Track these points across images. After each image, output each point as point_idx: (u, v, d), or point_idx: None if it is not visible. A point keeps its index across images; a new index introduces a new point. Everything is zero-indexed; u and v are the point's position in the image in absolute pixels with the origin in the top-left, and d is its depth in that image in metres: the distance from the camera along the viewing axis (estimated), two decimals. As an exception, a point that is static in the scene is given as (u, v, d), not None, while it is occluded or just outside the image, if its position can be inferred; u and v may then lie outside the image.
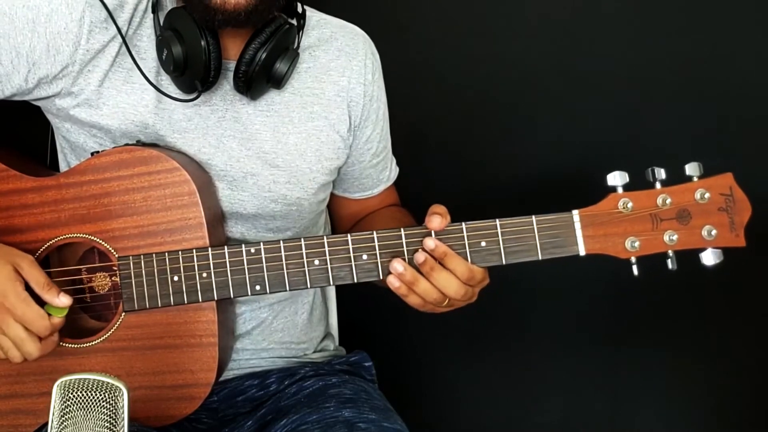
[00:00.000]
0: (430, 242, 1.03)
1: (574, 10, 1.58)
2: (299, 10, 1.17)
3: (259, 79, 1.12)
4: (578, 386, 1.74)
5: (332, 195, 1.32)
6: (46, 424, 0.85)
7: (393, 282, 1.04)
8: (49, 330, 1.02)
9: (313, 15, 1.24)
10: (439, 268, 1.03)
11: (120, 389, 0.84)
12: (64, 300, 1.03)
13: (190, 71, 1.10)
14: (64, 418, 0.84)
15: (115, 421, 0.84)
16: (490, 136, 1.62)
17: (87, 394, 0.84)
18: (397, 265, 1.04)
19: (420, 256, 1.04)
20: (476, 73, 1.59)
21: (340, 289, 1.46)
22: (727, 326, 1.69)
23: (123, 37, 1.10)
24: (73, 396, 0.84)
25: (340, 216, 1.37)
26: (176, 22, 1.10)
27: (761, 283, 1.64)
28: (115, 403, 0.84)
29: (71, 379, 0.84)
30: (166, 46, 1.09)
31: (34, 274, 1.04)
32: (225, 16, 1.06)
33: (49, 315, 1.03)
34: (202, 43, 1.08)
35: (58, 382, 0.84)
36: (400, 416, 1.17)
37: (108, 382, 0.84)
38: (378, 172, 1.31)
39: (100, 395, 0.84)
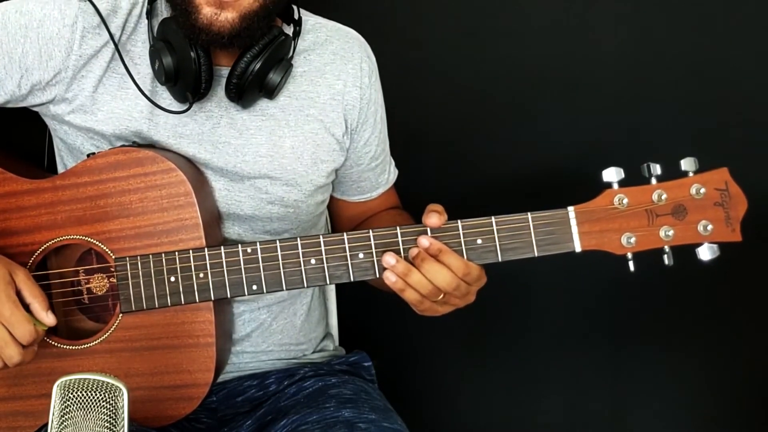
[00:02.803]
0: (424, 240, 1.04)
1: (572, 9, 1.58)
2: (296, 16, 1.17)
3: (251, 89, 1.12)
4: (578, 386, 1.73)
5: (331, 198, 1.32)
6: (46, 425, 0.85)
7: (389, 277, 1.04)
8: (32, 337, 1.01)
9: (308, 19, 1.24)
10: (431, 260, 1.03)
11: (120, 389, 0.84)
12: (50, 318, 1.03)
13: (182, 82, 1.10)
14: (64, 419, 0.84)
15: (115, 421, 0.84)
16: (485, 134, 1.61)
17: (87, 394, 0.84)
18: (389, 258, 1.04)
19: (413, 251, 1.04)
20: (471, 72, 1.59)
21: (339, 289, 1.46)
22: (726, 322, 1.68)
23: (116, 44, 1.10)
24: (73, 396, 0.84)
25: (341, 219, 1.37)
26: (168, 32, 1.10)
27: (759, 277, 1.64)
28: (115, 403, 0.84)
29: (71, 379, 0.84)
30: (157, 58, 1.09)
31: (28, 285, 1.03)
32: (209, 37, 1.06)
33: None
34: (192, 54, 1.08)
35: (58, 382, 0.84)
36: (400, 416, 1.17)
37: (108, 382, 0.84)
38: (376, 176, 1.31)
39: (100, 395, 0.84)
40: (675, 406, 1.73)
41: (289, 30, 1.17)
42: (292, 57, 1.16)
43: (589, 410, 1.74)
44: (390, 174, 1.34)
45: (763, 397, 1.70)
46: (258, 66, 1.10)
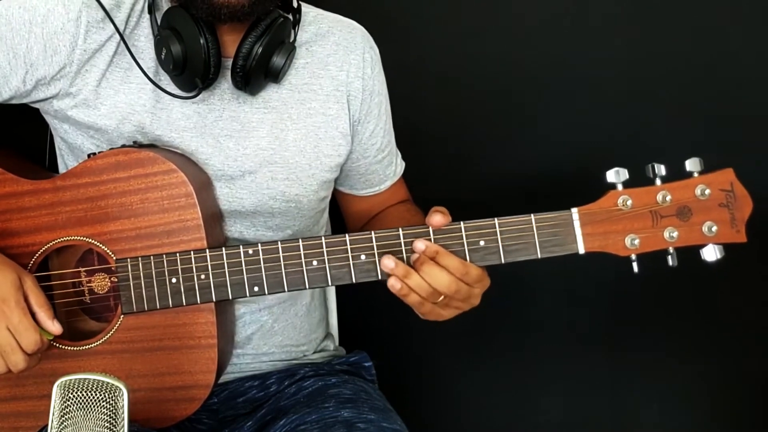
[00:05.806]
0: (420, 244, 1.03)
1: (574, 9, 1.57)
2: (294, 4, 1.17)
3: (257, 73, 1.12)
4: (578, 386, 1.73)
5: (340, 193, 1.32)
6: (46, 426, 0.85)
7: (394, 284, 1.03)
8: (37, 346, 1.02)
9: (309, 11, 1.24)
10: (431, 264, 1.02)
11: (120, 389, 0.84)
12: (56, 326, 1.03)
13: (190, 69, 1.10)
14: (64, 418, 0.84)
15: (115, 421, 0.84)
16: (488, 134, 1.62)
17: (87, 394, 0.84)
18: (388, 262, 1.03)
19: (414, 256, 1.04)
20: (474, 72, 1.59)
21: (339, 290, 1.46)
22: (728, 323, 1.68)
23: (121, 35, 1.10)
24: (73, 396, 0.84)
25: (350, 213, 1.36)
26: (174, 20, 1.10)
27: (763, 279, 1.64)
28: (115, 403, 0.84)
29: (71, 379, 0.84)
30: (165, 45, 1.09)
31: (35, 292, 1.04)
32: (230, 10, 1.06)
33: None
34: (201, 40, 1.09)
35: (58, 382, 0.84)
36: (400, 416, 1.17)
37: (108, 382, 0.84)
38: (384, 168, 1.31)
39: (100, 395, 0.84)
40: (676, 408, 1.73)
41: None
42: (294, 41, 1.16)
43: (590, 411, 1.74)
44: (397, 166, 1.34)
45: (763, 399, 1.70)
46: (261, 48, 1.10)
